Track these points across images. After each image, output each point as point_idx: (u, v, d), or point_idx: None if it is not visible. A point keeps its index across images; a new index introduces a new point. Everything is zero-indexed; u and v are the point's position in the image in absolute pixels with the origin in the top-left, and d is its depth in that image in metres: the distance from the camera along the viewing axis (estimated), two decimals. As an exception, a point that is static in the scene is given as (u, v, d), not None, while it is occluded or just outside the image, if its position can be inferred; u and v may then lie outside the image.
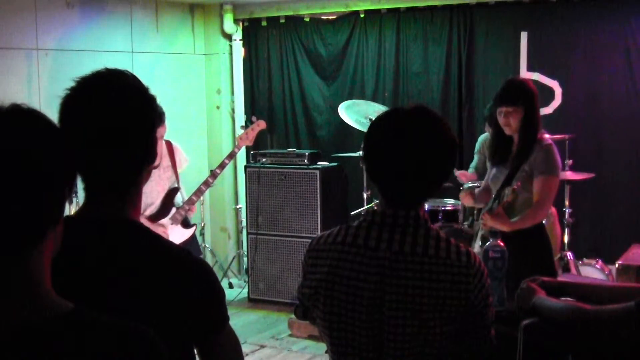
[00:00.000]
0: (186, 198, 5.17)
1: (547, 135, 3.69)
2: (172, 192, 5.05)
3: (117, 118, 1.44)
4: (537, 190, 3.54)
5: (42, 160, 1.09)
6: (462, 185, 5.32)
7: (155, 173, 4.89)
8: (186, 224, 5.14)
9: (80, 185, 1.47)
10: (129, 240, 1.46)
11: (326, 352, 1.99)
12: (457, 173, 5.45)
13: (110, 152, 1.44)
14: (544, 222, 3.76)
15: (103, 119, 1.43)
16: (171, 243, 1.55)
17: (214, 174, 5.19)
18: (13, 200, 1.07)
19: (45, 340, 1.08)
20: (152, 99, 1.52)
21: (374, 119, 1.96)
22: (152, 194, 4.93)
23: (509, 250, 3.39)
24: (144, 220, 4.80)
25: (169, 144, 5.03)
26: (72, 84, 1.47)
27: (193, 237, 5.26)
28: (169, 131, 4.89)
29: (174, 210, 5.03)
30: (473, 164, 5.67)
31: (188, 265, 1.48)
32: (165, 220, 4.99)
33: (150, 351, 1.15)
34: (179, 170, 5.07)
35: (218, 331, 1.51)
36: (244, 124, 6.90)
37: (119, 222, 1.47)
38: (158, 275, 1.43)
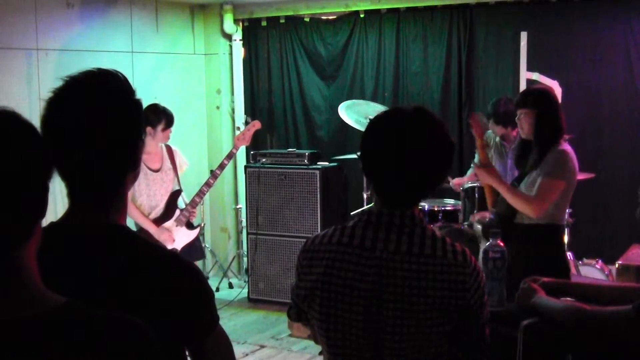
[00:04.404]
0: (187, 200, 5.20)
1: (567, 145, 3.55)
2: (176, 194, 5.09)
3: (100, 120, 1.42)
4: (535, 189, 3.45)
5: (20, 160, 1.08)
6: (462, 187, 5.32)
7: (157, 176, 4.93)
8: (190, 225, 5.18)
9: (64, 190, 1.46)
10: (116, 244, 1.45)
11: (320, 353, 1.98)
12: (453, 182, 5.32)
13: (93, 155, 1.42)
14: (560, 223, 3.59)
15: (86, 121, 1.41)
16: (159, 246, 1.55)
17: (214, 175, 5.24)
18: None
19: (40, 334, 1.09)
20: (137, 102, 1.49)
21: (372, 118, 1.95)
22: (155, 196, 4.95)
23: (521, 250, 3.39)
24: (149, 225, 4.83)
25: (168, 148, 5.08)
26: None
27: (197, 238, 5.30)
28: (169, 131, 4.92)
29: (177, 212, 5.07)
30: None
31: (176, 267, 1.48)
32: (169, 222, 5.02)
33: (144, 342, 1.16)
34: (179, 173, 5.12)
35: (208, 333, 1.50)
36: (244, 123, 6.92)
37: (105, 226, 1.46)
38: (146, 278, 1.43)
